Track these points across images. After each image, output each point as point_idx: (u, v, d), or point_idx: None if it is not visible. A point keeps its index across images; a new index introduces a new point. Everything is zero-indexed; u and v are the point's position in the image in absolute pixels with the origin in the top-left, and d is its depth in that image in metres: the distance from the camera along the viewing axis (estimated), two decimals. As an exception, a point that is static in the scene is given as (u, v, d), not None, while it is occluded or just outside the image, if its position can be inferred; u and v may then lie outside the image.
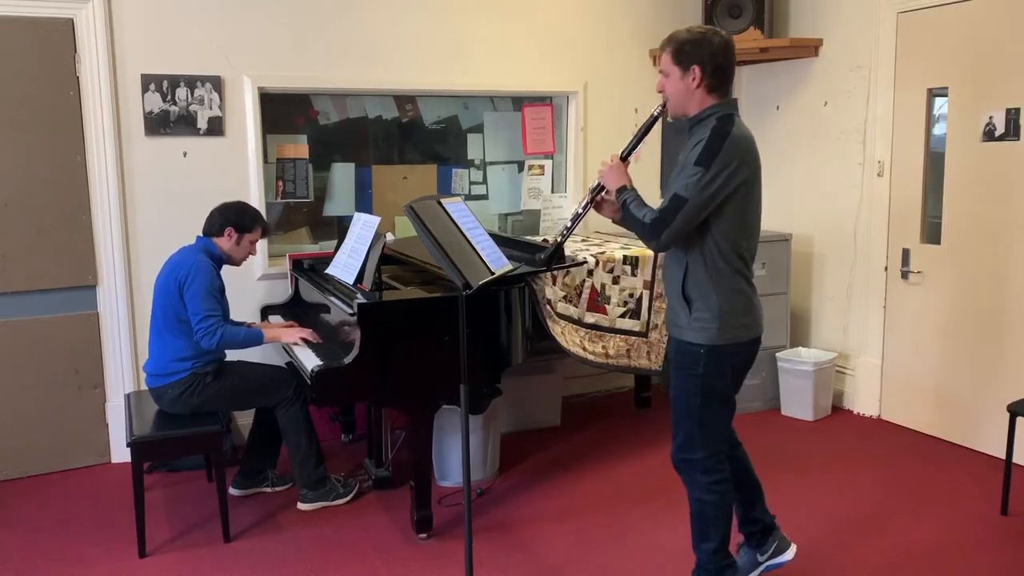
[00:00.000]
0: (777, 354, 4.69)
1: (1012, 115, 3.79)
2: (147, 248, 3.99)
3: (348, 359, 3.09)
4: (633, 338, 3.81)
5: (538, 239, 4.33)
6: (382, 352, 3.10)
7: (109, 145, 3.87)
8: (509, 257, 2.78)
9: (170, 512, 3.55)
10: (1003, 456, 3.43)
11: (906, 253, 4.34)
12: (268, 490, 3.72)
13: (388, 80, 4.39)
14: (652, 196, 5.13)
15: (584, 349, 3.62)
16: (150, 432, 3.22)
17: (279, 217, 4.47)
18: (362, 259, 3.38)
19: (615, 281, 3.75)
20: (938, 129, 4.21)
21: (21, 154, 3.76)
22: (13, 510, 3.59)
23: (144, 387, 3.51)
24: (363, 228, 3.50)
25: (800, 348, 4.82)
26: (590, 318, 3.67)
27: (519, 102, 4.84)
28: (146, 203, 4.00)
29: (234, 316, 3.64)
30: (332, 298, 3.43)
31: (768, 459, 4.02)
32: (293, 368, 3.52)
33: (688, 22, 4.96)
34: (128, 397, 3.60)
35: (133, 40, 3.89)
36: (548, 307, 3.50)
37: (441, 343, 3.17)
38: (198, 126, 4.03)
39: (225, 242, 3.41)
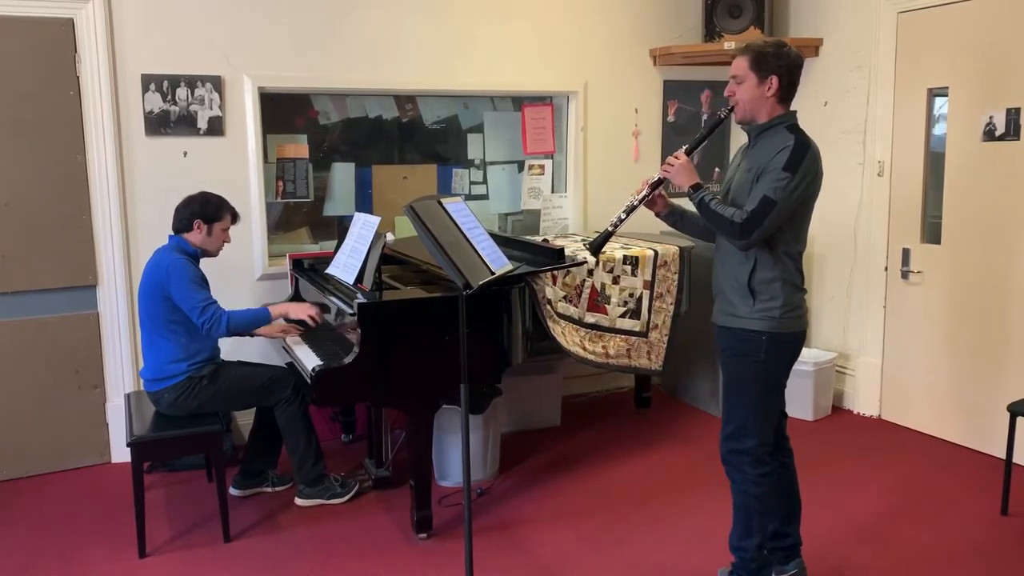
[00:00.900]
0: (777, 354, 4.68)
1: (1012, 115, 3.79)
2: (147, 248, 3.97)
3: (348, 359, 3.09)
4: (633, 338, 3.81)
5: (538, 239, 4.34)
6: (382, 352, 3.10)
7: (109, 145, 3.87)
8: (509, 257, 2.78)
9: (170, 512, 3.55)
10: (1003, 456, 3.43)
11: (906, 253, 4.34)
12: (268, 490, 3.72)
13: (388, 80, 4.38)
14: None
15: (584, 349, 3.62)
16: (150, 432, 3.22)
17: (279, 217, 4.47)
18: (362, 259, 3.38)
19: (615, 281, 3.75)
20: (938, 129, 4.21)
21: (21, 154, 3.75)
22: (13, 510, 3.59)
23: (143, 390, 3.50)
24: (363, 228, 3.50)
25: (800, 348, 4.82)
26: (590, 318, 3.67)
27: (519, 102, 4.84)
28: (146, 203, 4.00)
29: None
30: (332, 298, 3.43)
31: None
32: (292, 368, 3.52)
33: (688, 22, 5.02)
34: (128, 397, 3.60)
35: (133, 40, 3.89)
36: (548, 307, 3.50)
37: (441, 343, 3.17)
38: (198, 126, 4.03)
39: (196, 236, 3.40)
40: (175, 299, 3.25)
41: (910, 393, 4.41)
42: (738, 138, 5.28)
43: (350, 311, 3.13)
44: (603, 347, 3.70)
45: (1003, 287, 3.90)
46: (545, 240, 4.37)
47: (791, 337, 2.61)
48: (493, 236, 2.80)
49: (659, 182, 2.72)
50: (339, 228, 4.46)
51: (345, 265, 3.48)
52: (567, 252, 3.58)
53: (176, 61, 3.96)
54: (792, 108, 2.63)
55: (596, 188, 4.96)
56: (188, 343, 3.31)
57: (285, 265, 4.20)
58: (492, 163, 4.88)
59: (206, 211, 3.39)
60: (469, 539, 2.60)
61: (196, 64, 3.99)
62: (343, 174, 4.53)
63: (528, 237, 4.46)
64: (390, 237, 4.26)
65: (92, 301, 3.99)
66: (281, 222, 4.48)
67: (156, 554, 3.19)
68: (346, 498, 3.60)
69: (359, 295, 3.22)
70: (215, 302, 3.29)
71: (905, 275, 4.36)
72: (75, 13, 3.76)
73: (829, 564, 3.05)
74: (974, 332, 4.05)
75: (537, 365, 4.35)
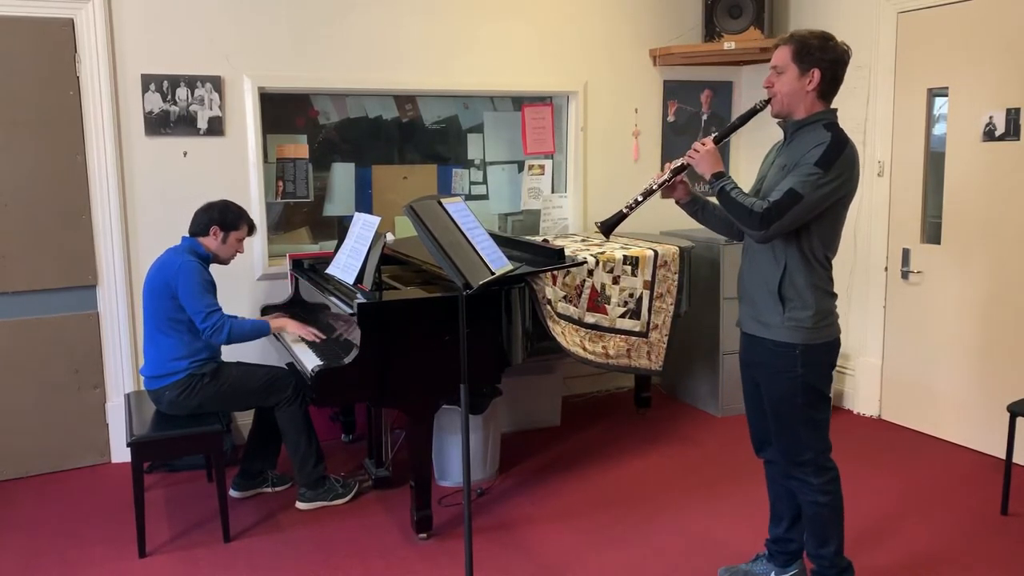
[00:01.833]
0: (777, 354, 4.68)
1: (1012, 115, 3.79)
2: (147, 248, 3.98)
3: (348, 359, 3.09)
4: (633, 338, 3.81)
5: (538, 239, 4.34)
6: (382, 352, 3.10)
7: (109, 145, 3.87)
8: (509, 257, 2.78)
9: (170, 512, 3.55)
10: (1003, 456, 3.43)
11: (906, 253, 4.34)
12: (268, 490, 3.72)
13: (388, 80, 4.39)
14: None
15: (584, 349, 3.62)
16: (150, 432, 3.22)
17: (279, 217, 4.47)
18: (362, 259, 3.38)
19: (615, 281, 3.75)
20: (938, 129, 4.21)
21: (21, 154, 3.75)
22: (13, 510, 3.59)
23: (143, 388, 3.50)
24: (363, 228, 3.50)
25: (800, 348, 4.82)
26: (590, 318, 3.67)
27: (519, 102, 4.84)
28: (146, 203, 4.00)
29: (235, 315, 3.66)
30: (332, 298, 3.43)
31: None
32: (292, 368, 3.52)
33: (688, 22, 5.02)
34: (128, 397, 3.60)
35: (133, 40, 3.89)
36: (548, 307, 3.49)
37: (441, 343, 3.17)
38: (198, 126, 4.03)
39: (211, 241, 3.41)
40: (181, 300, 3.25)
41: (910, 393, 4.41)
42: (738, 132, 5.29)
43: (350, 311, 3.13)
44: (603, 347, 3.70)
45: (1003, 287, 3.90)
46: (545, 240, 4.37)
47: (826, 347, 2.51)
48: (493, 236, 2.80)
49: (682, 168, 2.60)
50: (339, 228, 4.46)
51: (345, 265, 3.49)
52: (567, 252, 3.58)
53: (176, 61, 3.96)
54: (833, 106, 2.51)
55: (596, 188, 4.96)
56: (191, 341, 3.32)
57: (285, 265, 4.20)
58: (492, 163, 4.88)
59: (225, 218, 3.41)
60: (469, 539, 2.60)
61: (196, 64, 3.99)
62: (343, 174, 4.53)
63: (528, 237, 4.46)
64: (390, 237, 4.26)
65: (92, 301, 3.99)
66: (281, 222, 4.48)
67: (156, 554, 3.19)
68: (347, 498, 3.60)
69: (359, 295, 3.22)
70: (220, 309, 3.29)
71: (905, 275, 4.36)
72: (75, 13, 3.76)
73: (829, 564, 3.05)
74: (974, 332, 4.05)
75: (537, 365, 4.35)
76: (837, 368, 4.69)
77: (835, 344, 2.55)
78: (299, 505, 3.54)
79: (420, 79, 4.46)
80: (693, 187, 2.72)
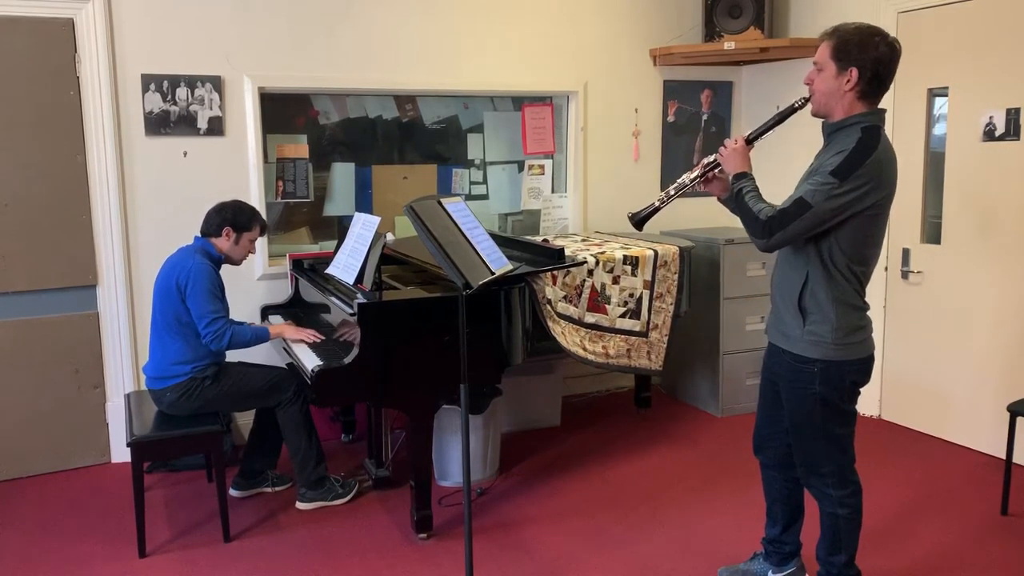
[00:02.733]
0: (777, 354, 4.68)
1: (1012, 115, 3.79)
2: (147, 248, 3.99)
3: (348, 359, 3.09)
4: (633, 338, 3.81)
5: (538, 239, 4.34)
6: (382, 352, 3.10)
7: (109, 145, 3.87)
8: (509, 257, 2.78)
9: (170, 512, 3.55)
10: (1003, 456, 3.43)
11: (906, 253, 4.34)
12: (268, 490, 3.72)
13: (388, 80, 4.39)
14: (649, 191, 5.14)
15: (584, 349, 3.62)
16: (150, 432, 3.22)
17: (279, 217, 4.47)
18: (362, 259, 3.38)
19: (615, 281, 3.75)
20: (938, 129, 4.21)
21: (21, 154, 3.76)
22: (13, 510, 3.59)
23: (144, 387, 3.51)
24: (363, 228, 3.50)
25: (800, 348, 4.82)
26: (590, 318, 3.67)
27: (519, 102, 4.84)
28: (146, 203, 4.00)
29: (234, 316, 3.65)
30: (332, 298, 3.43)
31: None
32: (293, 368, 3.52)
33: (688, 22, 5.02)
34: (128, 397, 3.60)
35: (133, 40, 3.89)
36: (548, 307, 3.50)
37: (441, 343, 3.17)
38: (198, 126, 4.03)
39: (223, 242, 3.41)
40: (188, 302, 3.25)
41: (910, 393, 4.41)
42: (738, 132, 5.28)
43: (350, 311, 3.13)
44: (603, 347, 3.70)
45: (1003, 287, 3.90)
46: (545, 240, 4.37)
47: (851, 365, 2.37)
48: (493, 236, 2.80)
49: (714, 164, 2.52)
50: (339, 228, 4.47)
51: (345, 265, 3.49)
52: (567, 252, 3.58)
53: (176, 61, 3.96)
54: (881, 107, 2.37)
55: (596, 188, 4.97)
56: (197, 346, 3.31)
57: (285, 265, 4.21)
58: (492, 163, 4.88)
59: (238, 220, 3.40)
60: (469, 539, 2.60)
61: (196, 64, 4.00)
62: (343, 174, 4.53)
63: (528, 237, 4.46)
64: (390, 237, 4.26)
65: (92, 301, 3.99)
66: (281, 222, 4.48)
67: (156, 554, 3.19)
68: (347, 498, 3.60)
69: (359, 295, 3.22)
70: (224, 316, 3.29)
71: (905, 275, 4.36)
72: (75, 13, 3.76)
73: (829, 564, 3.05)
74: (974, 332, 4.05)
75: (537, 365, 4.35)
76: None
77: (863, 362, 2.40)
78: (299, 505, 3.54)
79: (420, 79, 4.46)
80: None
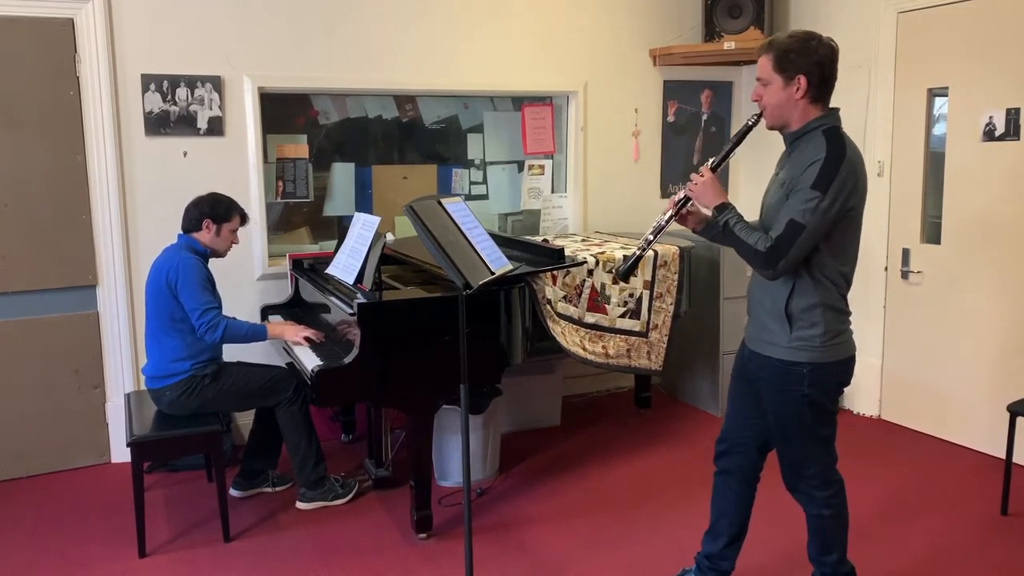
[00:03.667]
0: (777, 354, 4.68)
1: (1012, 115, 3.79)
2: (147, 248, 3.98)
3: (348, 359, 3.09)
4: (633, 338, 3.81)
5: (538, 239, 4.34)
6: (382, 352, 3.10)
7: (109, 145, 3.87)
8: (509, 257, 2.78)
9: (170, 512, 3.55)
10: (1003, 456, 3.43)
11: (906, 253, 4.34)
12: (268, 490, 3.72)
13: (388, 80, 4.38)
14: (649, 191, 5.13)
15: (584, 349, 3.62)
16: (150, 432, 3.22)
17: (279, 217, 4.47)
18: (362, 259, 3.38)
19: (615, 281, 3.75)
20: (938, 129, 4.21)
21: (21, 154, 3.75)
22: (13, 510, 3.59)
23: (144, 387, 3.51)
24: (363, 228, 3.50)
25: (800, 348, 4.82)
26: (590, 318, 3.67)
27: (519, 102, 4.84)
28: (146, 203, 4.00)
29: (235, 316, 3.65)
30: (332, 298, 3.43)
31: (768, 459, 4.01)
32: (293, 368, 3.52)
33: (688, 22, 5.01)
34: (128, 397, 3.60)
35: (133, 40, 3.89)
36: (548, 307, 3.50)
37: (441, 343, 3.17)
38: (198, 126, 4.03)
39: (205, 235, 3.41)
40: (180, 297, 3.26)
41: (910, 393, 4.41)
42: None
43: (350, 311, 3.13)
44: (603, 347, 3.70)
45: (1003, 286, 3.90)
46: (545, 240, 4.37)
47: (836, 366, 2.41)
48: (493, 236, 2.80)
49: (685, 200, 2.48)
50: (339, 228, 4.46)
51: (345, 265, 3.49)
52: (567, 252, 3.58)
53: (176, 61, 3.96)
54: (833, 106, 2.38)
55: (596, 188, 4.97)
56: (193, 342, 3.31)
57: (285, 265, 4.21)
58: (492, 163, 4.88)
59: (215, 211, 3.40)
60: (469, 539, 2.60)
61: (196, 64, 4.00)
62: (343, 174, 4.53)
63: (528, 237, 4.46)
64: (390, 237, 4.26)
65: (92, 301, 3.99)
66: (281, 222, 4.48)
67: (156, 554, 3.19)
68: (347, 498, 3.60)
69: (359, 295, 3.22)
70: (217, 307, 3.29)
71: (905, 275, 4.36)
72: (75, 13, 3.76)
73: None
74: (974, 332, 4.05)
75: (537, 365, 4.35)
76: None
77: (847, 363, 2.44)
78: (299, 505, 3.54)
79: (420, 79, 4.46)
80: (708, 215, 2.54)
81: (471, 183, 4.85)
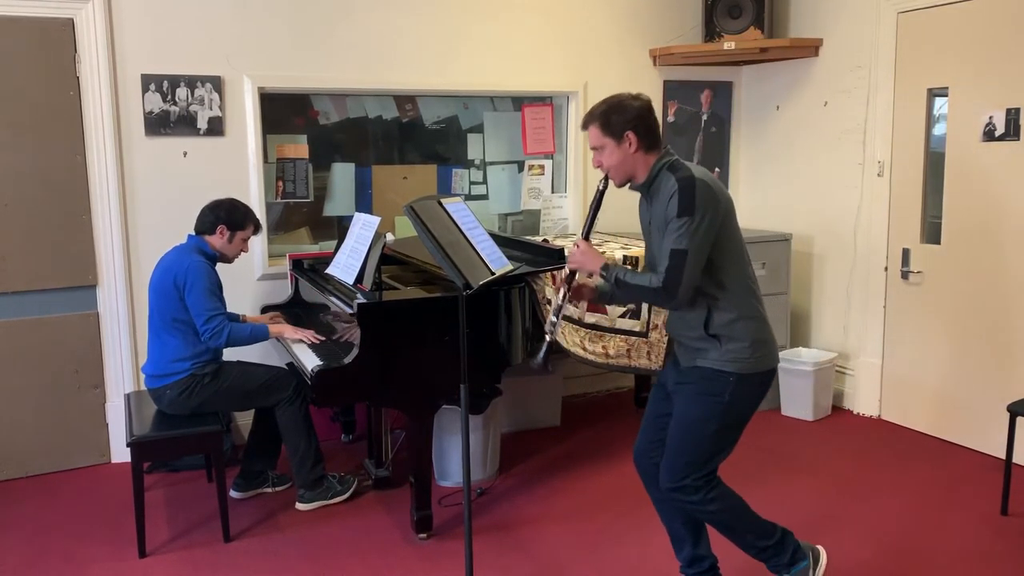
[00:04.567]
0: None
1: (1012, 115, 3.79)
2: (147, 248, 3.98)
3: (348, 359, 3.09)
4: (633, 338, 3.81)
5: (538, 239, 4.34)
6: (382, 352, 3.10)
7: (109, 145, 3.87)
8: (509, 257, 2.78)
9: (170, 512, 3.55)
10: (1003, 456, 3.43)
11: (906, 253, 4.34)
12: (268, 490, 3.72)
13: (388, 80, 4.39)
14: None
15: (584, 349, 3.62)
16: (150, 432, 3.22)
17: (279, 217, 4.47)
18: (362, 259, 3.38)
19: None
20: (938, 129, 4.21)
21: (21, 154, 3.75)
22: (13, 510, 3.59)
23: (144, 387, 3.51)
24: (363, 228, 3.50)
25: (800, 348, 4.82)
26: (590, 318, 3.67)
27: (519, 102, 4.84)
28: (146, 203, 4.00)
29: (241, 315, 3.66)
30: (332, 298, 3.43)
31: (768, 459, 4.02)
32: (293, 368, 3.52)
33: (688, 22, 5.02)
34: (128, 397, 3.60)
35: (133, 40, 3.89)
36: (548, 307, 3.49)
37: (441, 343, 3.17)
38: (198, 126, 4.03)
39: (217, 240, 3.41)
40: (186, 300, 3.26)
41: (910, 393, 4.41)
42: (738, 132, 5.28)
43: (350, 311, 3.13)
44: (603, 347, 3.70)
45: (1003, 287, 3.90)
46: (545, 240, 4.37)
47: (761, 378, 2.50)
48: (493, 236, 2.80)
49: (572, 274, 2.57)
50: (339, 228, 4.46)
51: (345, 265, 3.49)
52: (567, 252, 3.57)
53: (176, 61, 3.96)
54: (664, 147, 2.52)
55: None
56: (195, 342, 3.32)
57: (285, 265, 4.21)
58: (492, 163, 4.88)
59: (232, 218, 3.41)
60: (469, 539, 2.60)
61: (196, 64, 4.00)
62: (343, 174, 4.53)
63: (528, 237, 4.46)
64: (390, 237, 4.26)
65: (92, 301, 3.99)
66: (281, 222, 4.48)
67: (156, 554, 3.19)
68: (346, 495, 3.60)
69: (359, 295, 3.22)
70: (222, 314, 3.29)
71: (905, 275, 4.36)
72: (75, 13, 3.76)
73: (829, 564, 3.04)
74: (974, 332, 4.05)
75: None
76: (837, 368, 4.72)
77: (770, 374, 2.53)
78: (299, 506, 3.54)
79: (420, 79, 4.46)
80: (596, 283, 2.64)
81: (471, 183, 4.85)
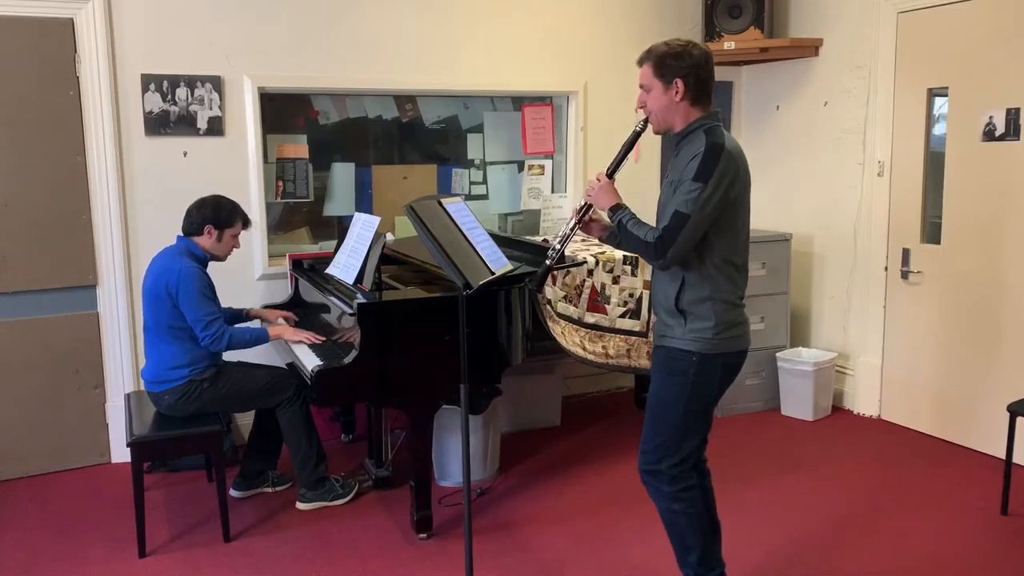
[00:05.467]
0: (777, 354, 4.69)
1: (1012, 115, 3.79)
2: (147, 248, 3.98)
3: (348, 359, 3.09)
4: (633, 338, 3.81)
5: (538, 239, 4.34)
6: (382, 352, 3.10)
7: (109, 145, 3.87)
8: (509, 257, 2.78)
9: (170, 512, 3.55)
10: (1003, 456, 3.43)
11: (906, 253, 4.34)
12: (268, 490, 3.72)
13: (388, 80, 4.39)
14: (649, 192, 5.13)
15: (584, 349, 3.62)
16: (150, 432, 3.22)
17: (279, 217, 4.47)
18: (362, 259, 3.38)
19: (615, 281, 3.75)
20: (938, 129, 4.21)
21: (21, 154, 3.75)
22: (13, 510, 3.59)
23: (143, 389, 3.51)
24: (363, 228, 3.50)
25: (800, 348, 4.82)
26: (590, 318, 3.67)
27: (519, 102, 4.84)
28: (146, 203, 4.00)
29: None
30: (332, 298, 3.43)
31: (768, 459, 4.02)
32: (293, 368, 3.52)
33: (688, 22, 5.01)
34: (128, 397, 3.60)
35: (133, 40, 3.89)
36: (548, 307, 3.49)
37: (441, 343, 3.17)
38: (198, 126, 4.03)
39: (206, 240, 3.39)
40: (181, 307, 3.24)
41: (910, 393, 4.41)
42: (738, 132, 5.29)
43: (350, 311, 3.13)
44: (603, 347, 3.70)
45: (1003, 287, 3.90)
46: (545, 240, 4.37)
47: (727, 359, 2.48)
48: (493, 236, 2.80)
49: (586, 207, 2.58)
50: (339, 228, 4.46)
51: (345, 265, 3.49)
52: (567, 252, 3.58)
53: (176, 61, 3.96)
54: (712, 108, 2.47)
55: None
56: (192, 348, 3.30)
57: (285, 265, 4.21)
58: (492, 163, 4.88)
59: (218, 216, 3.38)
60: (469, 539, 2.60)
61: (196, 64, 4.00)
62: (343, 174, 4.53)
63: (528, 237, 4.46)
64: (390, 237, 4.26)
65: (92, 301, 3.99)
66: (281, 222, 4.48)
67: (156, 554, 3.19)
68: (347, 498, 3.59)
69: (359, 295, 3.22)
70: (220, 317, 3.28)
71: (905, 275, 4.36)
72: (75, 13, 3.76)
73: (829, 564, 3.05)
74: (974, 332, 4.05)
75: (537, 365, 4.35)
76: (837, 368, 4.72)
77: (738, 356, 2.51)
78: (299, 506, 3.54)
79: (420, 79, 4.46)
80: (610, 222, 2.61)
81: (471, 183, 4.85)
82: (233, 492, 3.62)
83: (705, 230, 2.38)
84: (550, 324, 3.49)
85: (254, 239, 4.18)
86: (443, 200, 2.65)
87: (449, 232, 2.55)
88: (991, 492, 3.58)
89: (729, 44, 4.74)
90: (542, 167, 4.91)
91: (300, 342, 3.47)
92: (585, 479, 3.84)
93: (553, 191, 4.94)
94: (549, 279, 3.50)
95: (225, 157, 4.11)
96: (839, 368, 4.76)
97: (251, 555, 3.17)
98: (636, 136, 2.56)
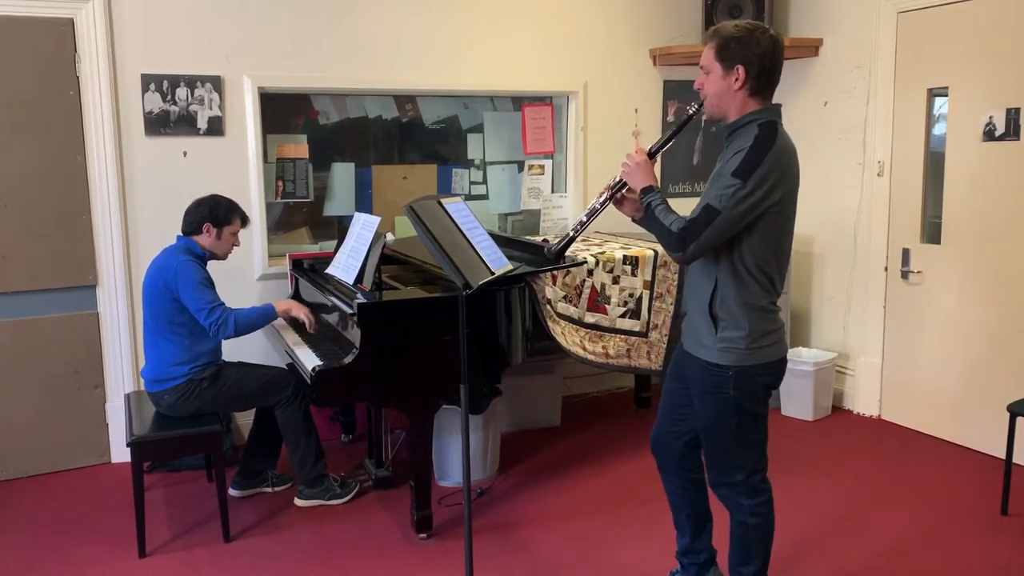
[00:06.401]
0: (777, 354, 4.68)
1: (1012, 115, 3.79)
2: (147, 248, 3.98)
3: (348, 359, 3.09)
4: (633, 338, 3.81)
5: (538, 239, 4.34)
6: (382, 352, 3.10)
7: (109, 145, 3.87)
8: (509, 257, 2.78)
9: (170, 512, 3.55)
10: (1003, 456, 3.43)
11: (906, 253, 4.34)
12: (268, 490, 3.72)
13: (388, 80, 4.38)
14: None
15: (584, 349, 3.61)
16: (150, 432, 3.22)
17: (279, 217, 4.47)
18: (362, 259, 3.38)
19: (615, 281, 3.75)
20: (938, 129, 4.21)
21: (21, 154, 3.75)
22: (13, 510, 3.59)
23: (143, 388, 3.51)
24: (363, 228, 3.50)
25: (800, 348, 4.82)
26: (590, 318, 3.67)
27: (519, 102, 4.84)
28: (146, 203, 4.00)
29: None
30: (332, 298, 3.43)
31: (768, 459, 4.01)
32: (292, 368, 3.52)
33: (688, 22, 5.02)
34: (128, 397, 3.60)
35: (133, 40, 3.89)
36: (548, 307, 3.50)
37: (441, 343, 3.17)
38: (198, 126, 4.03)
39: (205, 239, 3.40)
40: (183, 300, 3.25)
41: (910, 393, 4.41)
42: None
43: (350, 311, 3.13)
44: (603, 347, 3.70)
45: (1003, 287, 3.90)
46: (545, 240, 4.37)
47: (763, 368, 2.34)
48: (493, 236, 2.80)
49: (621, 184, 2.43)
50: (339, 228, 4.46)
51: (345, 265, 3.49)
52: (567, 252, 3.57)
53: (176, 61, 3.96)
54: (775, 102, 2.32)
55: (596, 188, 4.95)
56: (191, 346, 3.31)
57: (285, 265, 4.21)
58: (492, 163, 4.88)
59: (216, 214, 3.39)
60: (469, 539, 2.60)
61: (196, 64, 3.99)
62: (343, 174, 4.53)
63: (528, 237, 4.46)
64: (390, 237, 4.26)
65: (92, 301, 3.99)
66: (281, 222, 4.48)
67: (156, 554, 3.19)
68: (346, 499, 3.59)
69: (359, 295, 3.22)
70: (222, 303, 3.29)
71: (905, 275, 4.36)
72: (75, 13, 3.76)
73: (829, 564, 3.05)
74: (974, 332, 4.05)
75: (537, 365, 4.35)
76: (837, 368, 4.72)
77: (775, 365, 2.38)
78: (297, 502, 3.54)
79: (420, 79, 4.46)
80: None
81: (471, 183, 4.85)
82: (232, 491, 3.62)
83: (737, 230, 2.23)
84: (550, 324, 3.49)
85: (254, 239, 4.18)
86: (443, 200, 2.65)
87: (449, 232, 2.55)
88: (991, 492, 3.58)
89: (729, 44, 4.73)
90: (542, 167, 4.91)
91: (300, 339, 3.47)
92: (585, 479, 3.84)
93: (553, 191, 4.95)
94: (549, 279, 3.50)
95: (225, 157, 4.11)
96: (839, 368, 4.76)
97: (251, 555, 3.17)
98: (689, 118, 2.41)
